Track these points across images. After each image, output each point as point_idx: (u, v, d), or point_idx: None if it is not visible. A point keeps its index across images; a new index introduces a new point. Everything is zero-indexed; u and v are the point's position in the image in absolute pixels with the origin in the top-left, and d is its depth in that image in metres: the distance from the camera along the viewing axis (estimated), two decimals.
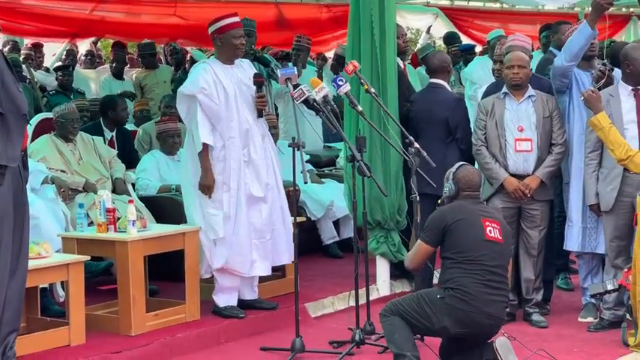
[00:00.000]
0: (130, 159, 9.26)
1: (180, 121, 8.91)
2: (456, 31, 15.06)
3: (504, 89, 7.49)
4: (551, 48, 8.79)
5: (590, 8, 7.35)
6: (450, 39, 13.95)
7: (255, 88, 7.44)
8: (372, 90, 7.26)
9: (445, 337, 6.19)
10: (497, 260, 6.09)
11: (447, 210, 6.28)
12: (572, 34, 7.54)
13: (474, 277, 5.98)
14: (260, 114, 7.45)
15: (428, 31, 15.91)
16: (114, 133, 9.62)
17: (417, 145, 7.02)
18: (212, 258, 7.38)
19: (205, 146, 7.25)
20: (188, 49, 13.34)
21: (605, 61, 7.64)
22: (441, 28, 15.67)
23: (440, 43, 17.03)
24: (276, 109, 10.61)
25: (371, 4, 7.93)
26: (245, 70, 7.51)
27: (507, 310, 6.61)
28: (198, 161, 7.33)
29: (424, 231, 6.27)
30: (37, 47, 12.78)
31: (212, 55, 8.03)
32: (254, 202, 7.39)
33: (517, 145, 7.36)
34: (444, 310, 5.96)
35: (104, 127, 9.60)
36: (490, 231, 6.14)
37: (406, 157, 7.14)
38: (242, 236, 7.34)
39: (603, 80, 7.42)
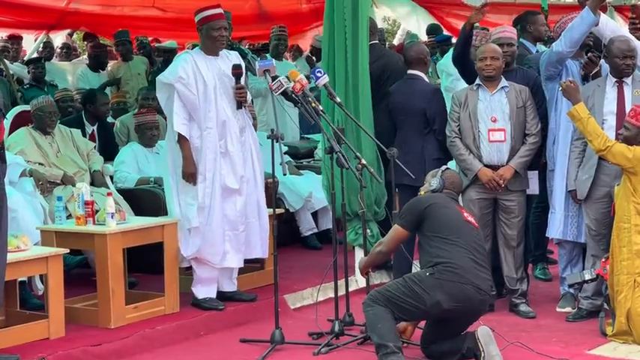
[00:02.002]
0: (112, 152, 9.23)
1: (159, 112, 8.95)
2: (437, 22, 15.07)
3: (477, 81, 7.52)
4: (521, 40, 8.76)
5: None
6: (431, 30, 13.99)
7: (234, 79, 7.44)
8: (338, 100, 7.25)
9: (433, 318, 6.19)
10: (479, 240, 6.25)
11: (424, 197, 6.44)
12: (566, 23, 7.58)
13: (460, 252, 6.06)
14: (239, 106, 7.45)
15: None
16: (95, 127, 9.59)
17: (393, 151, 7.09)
18: (185, 247, 7.39)
19: (182, 135, 7.26)
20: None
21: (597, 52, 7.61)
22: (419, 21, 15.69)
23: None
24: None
25: None
26: (231, 61, 7.49)
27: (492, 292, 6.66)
28: (177, 151, 7.34)
29: (400, 216, 6.36)
30: (16, 39, 12.71)
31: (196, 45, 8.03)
32: (229, 194, 7.40)
33: (490, 135, 7.38)
34: (435, 286, 5.98)
35: (85, 121, 9.57)
36: (467, 216, 6.35)
37: (382, 148, 7.18)
38: (215, 227, 7.34)
39: (594, 70, 7.45)
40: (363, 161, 6.90)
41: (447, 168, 6.67)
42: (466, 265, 6.03)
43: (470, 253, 6.08)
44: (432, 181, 6.53)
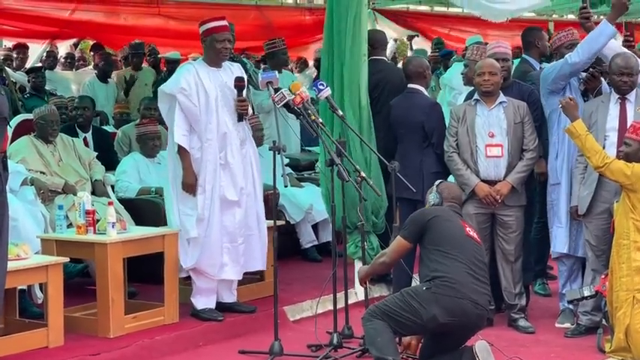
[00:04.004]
0: (109, 161, 9.23)
1: (161, 123, 8.96)
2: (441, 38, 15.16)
3: (475, 96, 7.54)
4: (525, 56, 8.77)
5: (613, 6, 7.41)
6: (436, 45, 14.05)
7: (236, 91, 7.46)
8: (340, 112, 7.27)
9: (431, 332, 6.19)
10: (479, 255, 6.21)
11: (427, 209, 6.44)
12: (563, 39, 7.60)
13: (459, 267, 6.04)
14: (240, 118, 7.46)
15: (411, 47, 15.94)
16: (88, 134, 9.60)
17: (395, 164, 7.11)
18: (184, 258, 7.40)
19: (182, 146, 7.28)
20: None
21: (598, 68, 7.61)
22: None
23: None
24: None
25: (344, 10, 7.97)
26: (233, 73, 7.51)
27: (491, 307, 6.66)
28: (177, 161, 7.36)
29: (403, 228, 6.35)
30: (22, 48, 12.73)
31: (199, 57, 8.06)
32: (228, 206, 7.40)
33: (487, 150, 7.40)
34: (431, 300, 5.97)
35: (77, 128, 9.58)
36: (469, 230, 6.30)
37: (384, 162, 7.19)
38: (213, 238, 7.36)
39: (596, 86, 7.47)
40: (363, 174, 6.91)
41: (441, 181, 6.66)
42: (463, 279, 6.02)
43: (468, 268, 6.07)
44: (430, 197, 6.53)
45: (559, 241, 7.53)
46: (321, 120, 7.05)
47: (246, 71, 9.72)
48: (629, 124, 6.97)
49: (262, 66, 12.61)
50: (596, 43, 7.28)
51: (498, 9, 8.77)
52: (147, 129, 9.12)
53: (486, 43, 9.60)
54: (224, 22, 7.55)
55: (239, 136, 7.46)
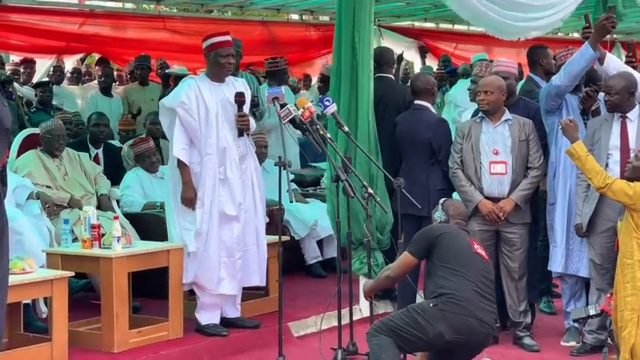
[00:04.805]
0: (117, 175, 9.25)
1: (155, 138, 9.00)
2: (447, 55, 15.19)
3: (481, 113, 7.55)
4: (530, 74, 8.77)
5: (594, 30, 7.41)
6: (443, 62, 14.08)
7: (236, 107, 7.46)
8: (346, 129, 7.27)
9: (436, 350, 6.17)
10: (487, 273, 6.19)
11: (435, 226, 6.43)
12: (564, 57, 7.61)
13: (466, 284, 6.02)
14: (241, 133, 7.47)
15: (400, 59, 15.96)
16: (99, 150, 9.62)
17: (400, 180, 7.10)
18: (185, 272, 7.40)
19: (182, 160, 7.30)
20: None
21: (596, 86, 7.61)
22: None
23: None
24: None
25: (353, 26, 7.99)
26: (236, 88, 7.52)
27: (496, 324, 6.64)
28: (177, 175, 7.37)
29: (411, 243, 6.32)
30: (29, 62, 12.76)
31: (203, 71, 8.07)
32: (226, 221, 7.41)
33: (491, 167, 7.40)
34: (438, 317, 5.95)
35: (89, 144, 9.60)
36: (477, 248, 6.28)
37: (390, 177, 7.19)
38: (211, 253, 7.36)
39: (592, 105, 7.47)
40: (370, 190, 6.91)
41: (446, 199, 6.67)
42: (470, 297, 6.00)
43: (476, 286, 6.05)
44: (435, 215, 6.53)
45: (554, 261, 7.57)
46: (329, 135, 7.04)
47: (250, 88, 9.80)
48: (631, 142, 6.98)
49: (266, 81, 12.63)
50: (577, 65, 7.32)
51: (513, 25, 8.73)
52: (141, 148, 9.18)
53: (491, 61, 9.60)
54: (228, 37, 7.57)
55: (239, 151, 7.46)
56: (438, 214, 6.49)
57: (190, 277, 7.40)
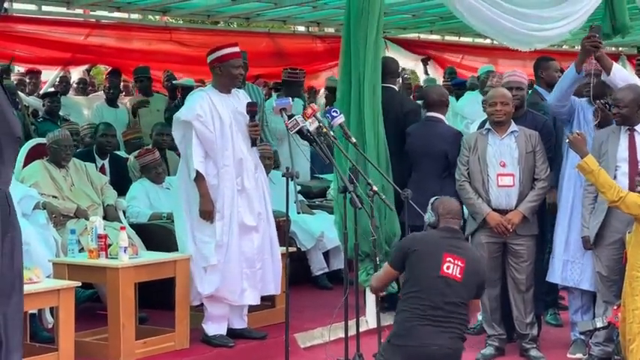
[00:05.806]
0: (124, 186, 9.26)
1: (161, 149, 8.99)
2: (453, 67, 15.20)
3: (487, 125, 7.54)
4: (535, 87, 8.78)
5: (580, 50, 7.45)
6: (449, 74, 14.09)
7: (249, 117, 7.47)
8: (353, 140, 7.23)
9: None
10: (447, 297, 5.86)
11: (412, 238, 6.19)
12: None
13: (413, 312, 5.84)
14: (254, 143, 7.48)
15: (426, 71, 15.97)
16: (105, 161, 9.62)
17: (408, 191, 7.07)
18: (202, 285, 7.37)
19: (200, 173, 7.27)
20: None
21: (607, 100, 7.59)
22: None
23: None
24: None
25: (362, 38, 7.98)
26: (240, 99, 7.54)
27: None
28: (191, 188, 7.34)
29: (391, 254, 6.26)
30: (35, 73, 12.78)
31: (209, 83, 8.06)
32: (246, 231, 7.40)
33: (499, 180, 7.39)
34: (395, 352, 5.86)
35: (95, 155, 9.61)
36: (448, 267, 5.91)
37: (397, 189, 7.17)
38: (233, 264, 7.34)
39: (604, 118, 7.47)
40: (375, 188, 6.86)
41: (437, 198, 6.34)
42: (413, 326, 5.82)
43: (425, 313, 5.81)
44: (425, 217, 6.29)
45: (552, 272, 7.60)
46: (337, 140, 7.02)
47: (255, 98, 9.84)
48: (639, 155, 6.97)
49: (274, 93, 12.64)
50: (563, 84, 7.44)
51: (528, 34, 8.72)
52: (146, 159, 9.17)
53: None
54: (237, 49, 7.58)
55: (253, 161, 7.48)
56: (428, 215, 6.25)
57: (210, 290, 7.37)
